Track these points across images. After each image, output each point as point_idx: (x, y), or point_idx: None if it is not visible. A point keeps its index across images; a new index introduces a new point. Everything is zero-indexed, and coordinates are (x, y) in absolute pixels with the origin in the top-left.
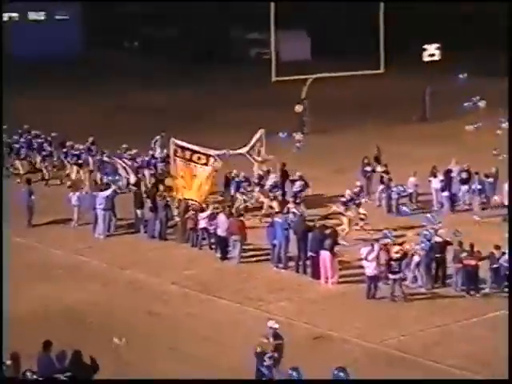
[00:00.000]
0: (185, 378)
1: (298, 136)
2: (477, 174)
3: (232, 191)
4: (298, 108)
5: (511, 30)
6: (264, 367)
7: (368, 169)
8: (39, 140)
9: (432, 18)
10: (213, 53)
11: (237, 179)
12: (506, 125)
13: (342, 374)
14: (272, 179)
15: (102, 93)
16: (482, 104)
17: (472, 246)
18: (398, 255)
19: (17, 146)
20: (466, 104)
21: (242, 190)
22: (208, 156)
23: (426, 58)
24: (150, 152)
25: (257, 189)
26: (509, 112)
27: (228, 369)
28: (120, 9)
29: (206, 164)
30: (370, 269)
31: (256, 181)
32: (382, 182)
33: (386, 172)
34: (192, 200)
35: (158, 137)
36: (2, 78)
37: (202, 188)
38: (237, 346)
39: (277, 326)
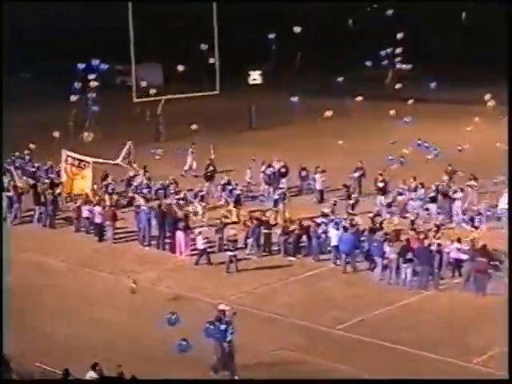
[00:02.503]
0: (76, 335)
1: (156, 145)
2: (304, 169)
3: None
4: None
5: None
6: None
7: (211, 168)
8: None
9: (255, 48)
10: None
11: (109, 180)
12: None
13: (212, 327)
14: (138, 180)
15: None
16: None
17: (300, 220)
18: (235, 237)
19: None
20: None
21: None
22: (87, 162)
23: (250, 82)
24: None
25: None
26: (509, 112)
27: (105, 321)
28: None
29: (85, 168)
30: (199, 244)
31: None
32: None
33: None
34: (80, 195)
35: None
36: (2, 89)
37: (86, 186)
38: (114, 306)
39: (228, 308)
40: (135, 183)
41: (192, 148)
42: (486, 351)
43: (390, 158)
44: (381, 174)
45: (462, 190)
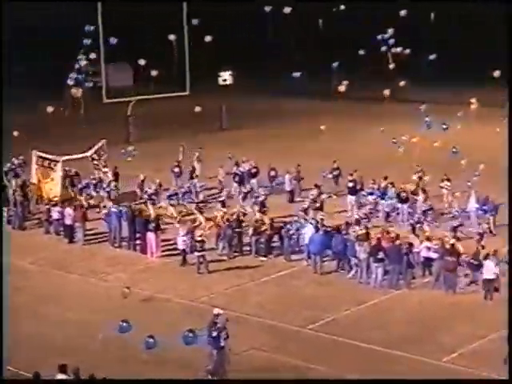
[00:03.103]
0: (47, 336)
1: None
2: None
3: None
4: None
5: None
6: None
7: (176, 170)
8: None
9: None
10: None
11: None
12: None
13: (191, 334)
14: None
15: None
16: None
17: (272, 220)
18: (201, 238)
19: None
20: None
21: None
22: (57, 162)
23: (220, 83)
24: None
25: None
26: (509, 113)
27: (77, 322)
28: None
29: (55, 169)
30: (179, 244)
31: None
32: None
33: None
34: (49, 198)
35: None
36: (2, 84)
37: (56, 187)
38: (85, 306)
39: (222, 311)
40: (148, 190)
41: (198, 153)
42: (457, 349)
43: (394, 141)
44: (351, 174)
45: (424, 191)
